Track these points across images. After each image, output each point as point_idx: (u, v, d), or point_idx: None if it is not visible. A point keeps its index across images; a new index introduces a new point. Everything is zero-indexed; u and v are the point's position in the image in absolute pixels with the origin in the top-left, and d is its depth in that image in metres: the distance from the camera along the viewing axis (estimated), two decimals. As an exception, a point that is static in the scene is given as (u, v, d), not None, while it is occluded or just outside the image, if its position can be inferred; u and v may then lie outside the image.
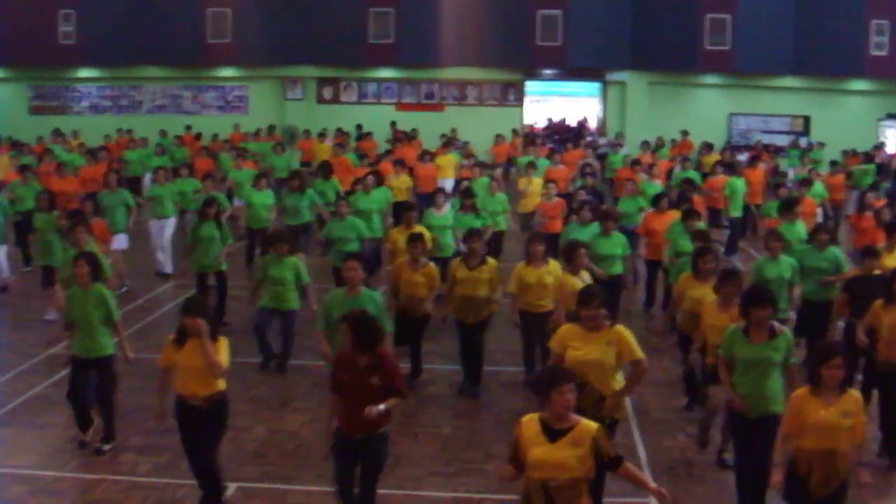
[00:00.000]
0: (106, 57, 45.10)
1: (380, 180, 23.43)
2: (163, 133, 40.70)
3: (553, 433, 8.20)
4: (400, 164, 27.12)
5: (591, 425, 8.23)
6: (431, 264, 15.85)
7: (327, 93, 46.12)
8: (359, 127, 43.02)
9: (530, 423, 8.33)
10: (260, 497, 12.06)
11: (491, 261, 15.53)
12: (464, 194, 21.50)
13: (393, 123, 43.61)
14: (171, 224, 24.00)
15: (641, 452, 13.38)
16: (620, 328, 10.83)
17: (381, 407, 9.80)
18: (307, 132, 41.18)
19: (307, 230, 22.94)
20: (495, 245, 22.01)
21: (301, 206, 22.63)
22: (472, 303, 15.26)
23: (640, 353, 10.77)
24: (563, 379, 8.27)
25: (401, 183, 25.89)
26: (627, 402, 14.16)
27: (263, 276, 16.53)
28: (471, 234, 15.83)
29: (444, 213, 20.30)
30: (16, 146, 36.24)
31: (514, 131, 42.86)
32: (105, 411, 13.38)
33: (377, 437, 10.08)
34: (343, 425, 10.11)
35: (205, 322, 10.90)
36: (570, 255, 14.80)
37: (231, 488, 12.13)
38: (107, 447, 13.29)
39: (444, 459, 13.15)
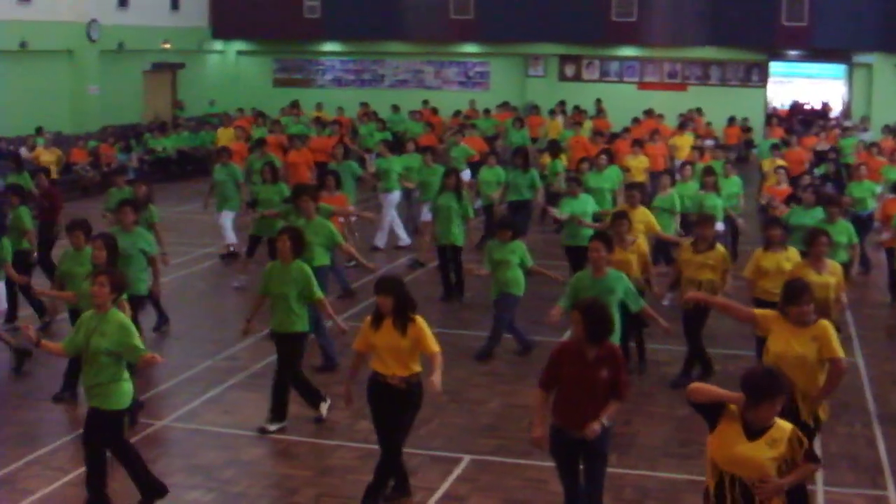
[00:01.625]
0: (349, 31, 45.73)
1: (612, 159, 23.18)
2: (394, 108, 40.96)
3: (753, 432, 7.85)
4: (638, 144, 26.76)
5: (786, 426, 7.86)
6: (641, 241, 15.48)
7: (569, 70, 45.83)
8: (598, 101, 42.50)
9: (732, 417, 7.96)
10: (493, 470, 11.98)
11: (719, 247, 15.03)
12: (705, 172, 21.05)
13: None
14: (395, 197, 24.14)
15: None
16: (825, 323, 10.14)
17: (605, 422, 9.27)
18: (536, 108, 41.05)
19: (526, 207, 22.67)
20: (731, 230, 21.55)
21: (521, 183, 22.41)
22: (696, 287, 14.84)
23: (839, 351, 10.08)
24: (779, 391, 7.77)
25: (638, 163, 25.56)
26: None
27: (489, 261, 16.39)
28: (703, 221, 15.45)
29: (668, 194, 19.94)
30: (260, 117, 36.99)
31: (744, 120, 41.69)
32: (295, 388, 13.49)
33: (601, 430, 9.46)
34: (563, 422, 9.52)
35: (393, 301, 10.59)
36: (810, 241, 13.96)
37: (465, 460, 12.13)
38: (272, 427, 13.20)
39: (678, 441, 12.90)
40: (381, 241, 23.87)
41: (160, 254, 16.36)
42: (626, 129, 32.23)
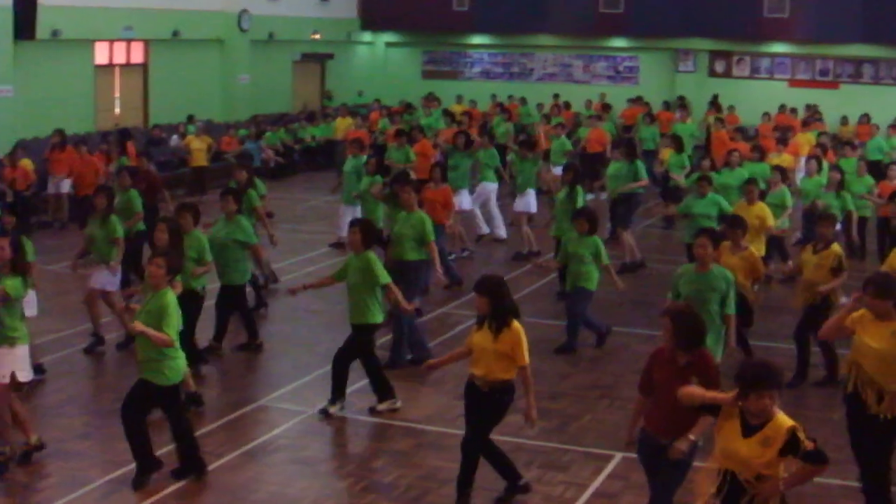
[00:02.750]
0: (498, 24, 45.68)
1: (762, 156, 22.95)
2: (522, 101, 40.57)
3: (749, 428, 7.82)
4: (783, 141, 26.36)
5: (783, 424, 7.73)
6: (751, 249, 15.00)
7: (719, 66, 45.19)
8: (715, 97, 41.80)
9: (731, 413, 7.97)
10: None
11: (835, 247, 14.65)
12: (832, 169, 20.61)
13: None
14: (492, 190, 23.97)
15: None
16: None
17: (692, 439, 8.88)
18: (667, 104, 40.55)
19: (629, 200, 22.35)
20: (859, 231, 21.14)
21: (626, 175, 22.03)
22: (812, 286, 14.48)
23: None
24: (767, 384, 7.73)
25: (781, 160, 25.07)
26: None
27: (564, 254, 16.25)
28: (822, 220, 15.13)
29: (779, 189, 19.62)
30: (408, 109, 37.10)
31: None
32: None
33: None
34: (650, 426, 9.33)
35: (489, 302, 10.42)
36: None
37: (616, 457, 11.99)
38: (381, 407, 13.39)
39: (833, 445, 12.54)
40: (502, 231, 24.08)
41: (267, 235, 17.39)
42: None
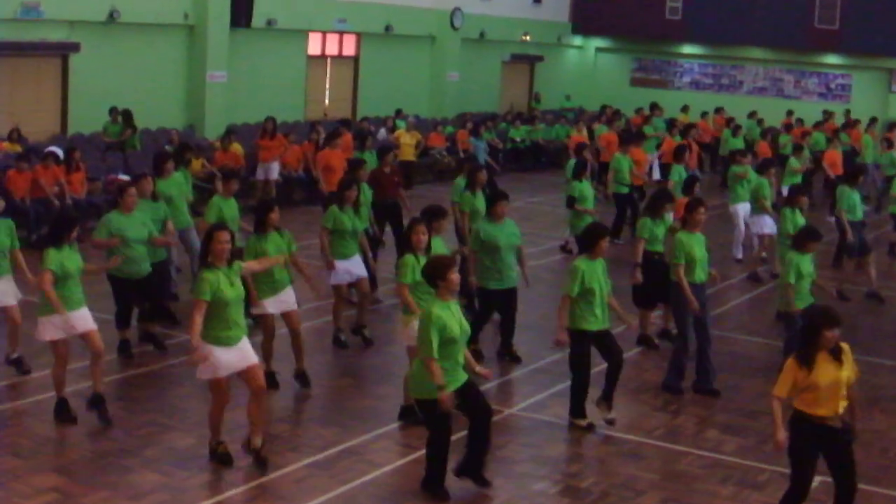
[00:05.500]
0: (710, 35, 45.22)
1: None
2: (751, 115, 39.77)
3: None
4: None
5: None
6: None
7: (937, 88, 43.91)
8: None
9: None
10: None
11: None
12: None
13: None
14: (743, 208, 22.85)
15: None
16: None
17: None
18: (855, 122, 37.98)
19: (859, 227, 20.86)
20: None
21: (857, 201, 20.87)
22: None
23: None
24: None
25: None
26: None
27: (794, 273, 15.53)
28: None
29: None
30: (616, 115, 36.86)
31: None
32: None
33: None
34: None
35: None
36: None
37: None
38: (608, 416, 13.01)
39: None
40: (738, 252, 23.18)
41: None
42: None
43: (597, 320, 12.68)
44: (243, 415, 11.47)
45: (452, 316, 10.44)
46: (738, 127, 34.02)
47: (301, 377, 13.90)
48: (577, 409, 12.96)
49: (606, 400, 12.90)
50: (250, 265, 12.24)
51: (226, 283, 10.94)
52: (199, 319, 10.75)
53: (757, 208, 21.47)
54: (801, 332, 9.76)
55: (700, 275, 14.24)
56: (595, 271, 12.65)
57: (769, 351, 16.63)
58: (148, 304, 15.16)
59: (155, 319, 15.33)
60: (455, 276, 10.59)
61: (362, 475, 11.22)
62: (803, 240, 14.45)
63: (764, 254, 21.62)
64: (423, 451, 11.02)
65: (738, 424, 13.32)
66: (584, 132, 32.70)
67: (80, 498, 10.35)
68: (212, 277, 10.87)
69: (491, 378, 12.17)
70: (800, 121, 37.54)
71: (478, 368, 11.05)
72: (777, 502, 10.72)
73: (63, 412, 12.22)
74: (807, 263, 14.35)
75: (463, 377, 10.57)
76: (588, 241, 12.92)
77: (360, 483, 11.05)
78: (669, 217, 16.80)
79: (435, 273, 10.61)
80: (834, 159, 28.93)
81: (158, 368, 14.47)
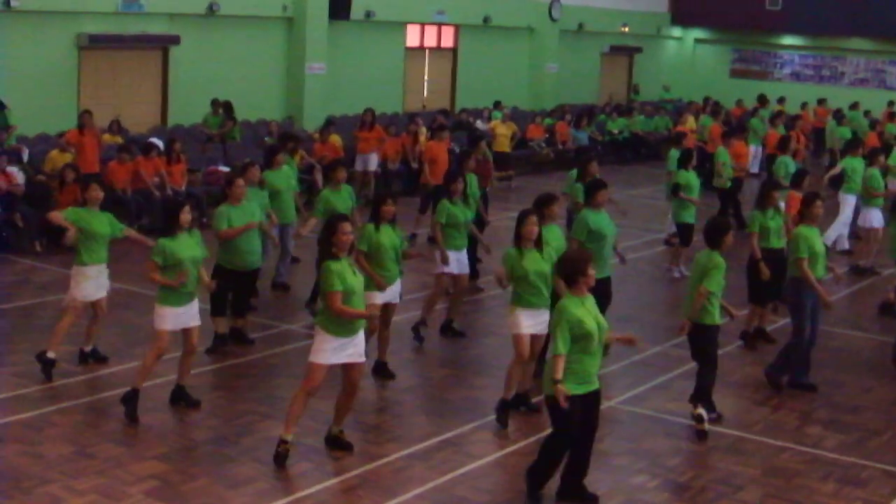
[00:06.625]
0: (810, 25, 44.63)
1: None
2: (853, 105, 39.06)
3: None
4: None
5: None
6: None
7: None
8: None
9: None
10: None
11: None
12: None
13: None
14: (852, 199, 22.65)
15: None
16: None
17: None
18: None
19: None
20: None
21: None
22: None
23: None
24: None
25: None
26: None
27: None
28: None
29: None
30: (716, 108, 36.51)
31: None
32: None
33: None
34: None
35: None
36: None
37: None
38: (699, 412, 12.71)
39: None
40: (842, 243, 22.77)
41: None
42: None
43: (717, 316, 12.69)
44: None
45: (588, 312, 10.22)
46: (842, 116, 33.61)
47: (383, 368, 13.99)
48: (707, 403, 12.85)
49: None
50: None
51: (350, 273, 10.99)
52: (344, 308, 10.81)
53: (867, 200, 21.14)
54: None
55: (820, 270, 14.02)
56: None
57: (871, 346, 16.44)
58: (238, 299, 15.06)
59: (245, 314, 15.31)
60: (594, 272, 10.43)
61: (461, 466, 11.23)
62: None
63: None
64: (522, 444, 11.02)
65: (840, 420, 13.16)
66: (691, 123, 32.38)
67: (180, 486, 10.48)
68: (338, 268, 10.88)
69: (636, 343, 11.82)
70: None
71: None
72: (879, 500, 10.64)
73: (134, 403, 12.17)
74: None
75: (593, 385, 10.28)
76: (714, 236, 12.73)
77: (458, 474, 11.06)
78: (781, 207, 16.62)
79: (575, 268, 10.32)
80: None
81: (257, 358, 14.59)
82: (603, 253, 14.11)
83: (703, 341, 12.66)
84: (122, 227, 13.85)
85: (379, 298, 13.41)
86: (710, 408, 12.74)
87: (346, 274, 10.88)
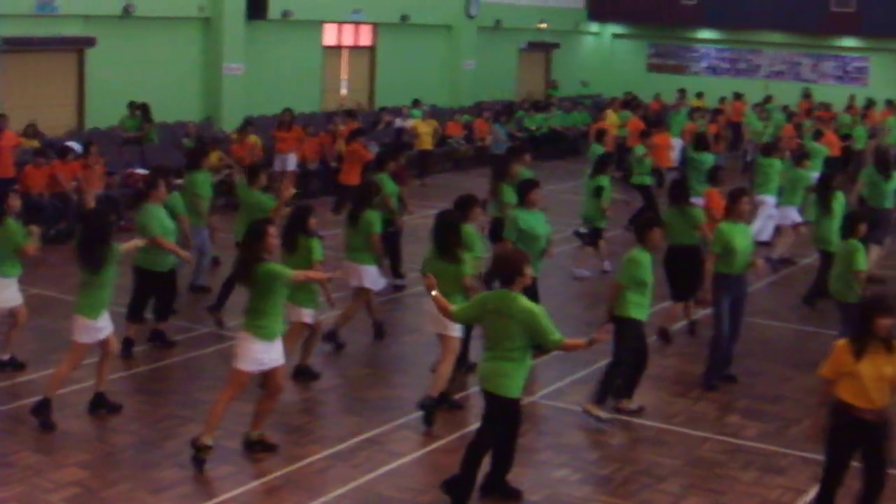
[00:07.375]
0: (726, 19, 45.11)
1: None
2: (767, 99, 39.50)
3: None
4: None
5: None
6: None
7: (955, 68, 43.63)
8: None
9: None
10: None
11: None
12: None
13: None
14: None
15: None
16: None
17: None
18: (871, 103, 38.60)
19: (885, 217, 20.07)
20: None
21: (883, 189, 20.08)
22: None
23: None
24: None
25: None
26: None
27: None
28: None
29: None
30: (635, 102, 36.79)
31: None
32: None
33: None
34: None
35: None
36: None
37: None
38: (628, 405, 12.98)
39: None
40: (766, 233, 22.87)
41: None
42: None
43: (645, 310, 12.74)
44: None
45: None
46: (762, 111, 34.12)
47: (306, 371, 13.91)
48: (625, 391, 12.98)
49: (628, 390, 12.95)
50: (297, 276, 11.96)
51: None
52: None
53: (785, 198, 21.41)
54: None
55: (739, 265, 13.89)
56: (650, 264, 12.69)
57: (790, 336, 16.62)
58: (161, 302, 14.93)
59: (167, 318, 15.12)
60: (530, 271, 10.42)
61: (384, 465, 11.25)
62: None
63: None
64: (444, 441, 11.03)
65: (760, 410, 13.32)
66: (612, 119, 32.46)
67: (102, 492, 10.39)
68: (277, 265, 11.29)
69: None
70: (823, 104, 37.35)
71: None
72: (798, 486, 10.77)
73: (46, 413, 11.98)
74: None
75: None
76: (639, 232, 12.75)
77: (381, 473, 11.07)
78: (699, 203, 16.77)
79: (511, 268, 10.26)
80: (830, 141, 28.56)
81: (177, 361, 14.50)
82: (534, 253, 14.01)
83: (626, 334, 12.63)
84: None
85: (308, 318, 13.37)
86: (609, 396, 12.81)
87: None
